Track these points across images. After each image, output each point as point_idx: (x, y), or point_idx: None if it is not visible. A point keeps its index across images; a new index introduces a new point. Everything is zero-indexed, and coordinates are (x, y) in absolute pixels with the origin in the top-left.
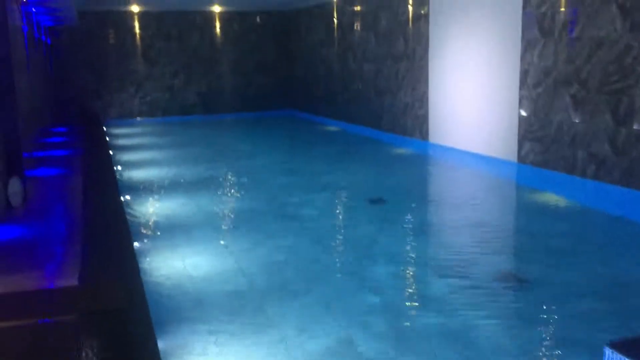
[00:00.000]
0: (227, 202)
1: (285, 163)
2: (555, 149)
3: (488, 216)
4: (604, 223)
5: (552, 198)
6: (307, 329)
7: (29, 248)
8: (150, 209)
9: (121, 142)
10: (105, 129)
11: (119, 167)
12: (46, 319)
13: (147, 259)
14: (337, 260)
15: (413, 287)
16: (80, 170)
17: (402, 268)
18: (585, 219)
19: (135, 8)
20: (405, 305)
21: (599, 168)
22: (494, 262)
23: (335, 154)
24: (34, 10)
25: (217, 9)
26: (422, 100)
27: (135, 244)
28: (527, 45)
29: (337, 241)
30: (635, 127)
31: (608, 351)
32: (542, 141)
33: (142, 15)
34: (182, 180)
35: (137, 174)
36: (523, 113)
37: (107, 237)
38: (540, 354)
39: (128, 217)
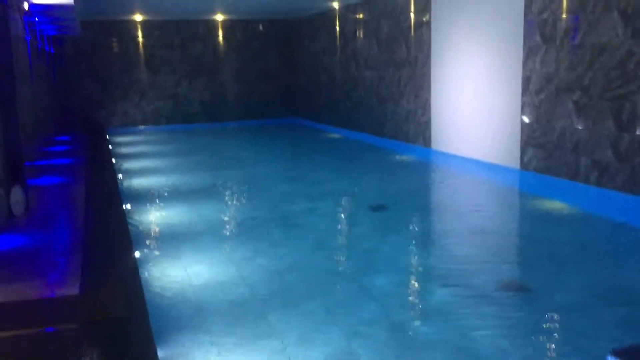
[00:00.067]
0: (229, 210)
1: (288, 171)
2: (558, 155)
3: (491, 223)
4: (607, 230)
5: (555, 205)
6: (309, 338)
7: (30, 257)
8: (153, 217)
9: (124, 150)
10: (108, 137)
11: (122, 176)
12: (47, 328)
13: (149, 268)
14: (339, 268)
15: (415, 296)
16: (83, 178)
17: (404, 276)
18: (588, 226)
19: (138, 17)
20: (408, 314)
21: (602, 174)
22: (497, 270)
23: (337, 161)
24: (37, 19)
25: (219, 17)
26: (425, 107)
27: (137, 252)
28: (529, 52)
29: (340, 249)
30: (638, 133)
31: (611, 359)
32: (545, 148)
33: (145, 24)
34: (184, 189)
35: (140, 182)
36: (525, 119)
37: (108, 246)
38: None
39: (130, 225)
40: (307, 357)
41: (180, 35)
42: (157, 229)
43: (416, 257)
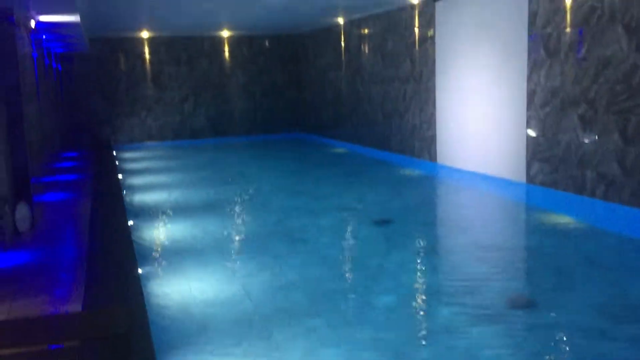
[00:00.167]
0: (234, 226)
1: (293, 185)
2: (564, 169)
3: (497, 238)
4: (614, 244)
5: (561, 219)
6: (313, 354)
7: (34, 273)
8: (158, 232)
9: (131, 166)
10: (115, 153)
11: (128, 191)
12: (50, 345)
13: (153, 283)
14: (343, 284)
15: (421, 312)
16: (89, 195)
17: (409, 292)
18: (595, 241)
19: (145, 34)
20: (413, 330)
21: (608, 188)
22: (503, 287)
23: (343, 175)
24: (44, 37)
25: (225, 33)
26: (430, 121)
27: (141, 268)
28: (534, 66)
29: (344, 265)
30: None
31: None
32: (551, 161)
33: (152, 41)
34: (189, 204)
35: (146, 198)
36: (531, 133)
37: (112, 263)
38: None
39: (135, 241)
40: None
41: (187, 52)
42: (161, 245)
43: (421, 273)
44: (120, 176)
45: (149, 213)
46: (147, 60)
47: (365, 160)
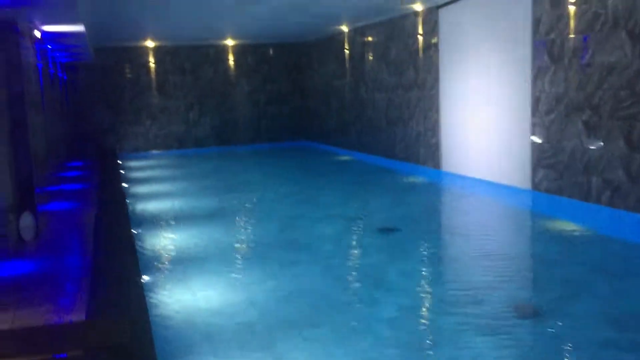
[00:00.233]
0: (238, 234)
1: (298, 194)
2: (569, 175)
3: (502, 245)
4: (620, 251)
5: (567, 226)
6: None
7: (38, 283)
8: (162, 241)
9: (135, 175)
10: (120, 162)
11: (133, 200)
12: (53, 355)
13: (157, 292)
14: (348, 292)
15: (425, 320)
16: (93, 204)
17: (414, 301)
18: (601, 247)
19: (149, 43)
20: (417, 338)
21: (613, 195)
22: (508, 293)
23: (347, 183)
24: (49, 47)
25: (230, 42)
26: (434, 128)
27: (146, 277)
28: (538, 73)
29: (349, 273)
30: None
31: None
32: (556, 168)
33: (157, 50)
34: (194, 212)
35: (150, 206)
36: (536, 140)
37: (116, 272)
38: None
39: (139, 250)
40: None
41: (191, 60)
42: (166, 253)
43: (426, 282)
44: (125, 185)
45: (154, 222)
46: (152, 69)
47: (369, 167)
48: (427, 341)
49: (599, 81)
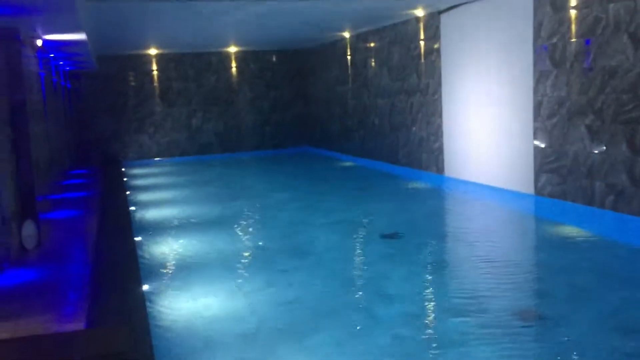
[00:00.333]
0: (240, 241)
1: (301, 200)
2: (572, 180)
3: (506, 251)
4: (625, 255)
5: (571, 230)
6: None
7: (39, 291)
8: (164, 248)
9: (139, 182)
10: (123, 170)
11: (135, 207)
12: None
13: (158, 300)
14: (350, 298)
15: (427, 326)
16: (96, 212)
17: (416, 307)
18: (606, 252)
19: (152, 51)
20: (419, 345)
21: (617, 199)
22: (512, 299)
23: (351, 189)
24: (52, 55)
25: (233, 49)
26: (437, 133)
27: (147, 284)
28: (540, 77)
29: (351, 279)
30: None
31: None
32: (559, 172)
33: (160, 58)
34: (196, 219)
35: (153, 214)
36: (538, 144)
37: (116, 280)
38: None
39: (140, 257)
40: None
41: (195, 68)
42: (168, 260)
43: (429, 287)
44: (128, 193)
45: (156, 229)
46: (155, 77)
47: (372, 173)
48: (430, 347)
49: (601, 85)
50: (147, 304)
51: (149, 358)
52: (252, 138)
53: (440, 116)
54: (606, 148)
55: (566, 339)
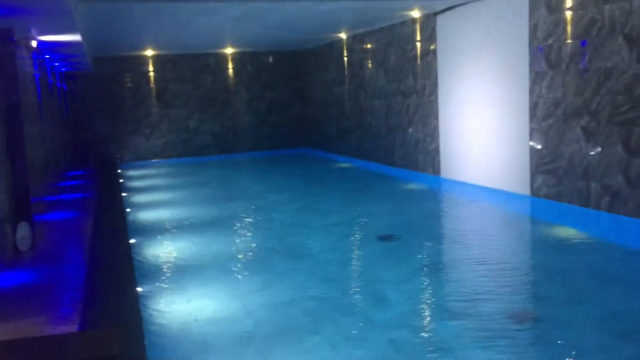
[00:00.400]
0: (236, 243)
1: (298, 201)
2: (568, 181)
3: (502, 252)
4: (620, 257)
5: (567, 231)
6: None
7: (33, 293)
8: (160, 250)
9: (135, 184)
10: (119, 171)
11: (131, 209)
12: None
13: (153, 302)
14: (346, 301)
15: (424, 328)
16: (91, 213)
17: (412, 309)
18: (601, 253)
19: (149, 52)
20: (416, 347)
21: (613, 200)
22: (508, 301)
23: (347, 190)
24: (47, 57)
25: (229, 50)
26: (433, 135)
27: (141, 287)
28: (536, 78)
29: (347, 281)
30: None
31: None
32: (555, 174)
33: (156, 59)
34: (192, 221)
35: (149, 215)
36: (534, 146)
37: (110, 283)
38: None
39: (136, 259)
40: None
41: (191, 69)
42: (163, 262)
43: (425, 289)
44: (124, 194)
45: (152, 230)
46: (152, 78)
47: (369, 174)
48: (426, 350)
49: (597, 86)
50: (142, 306)
51: None
52: (249, 139)
53: (437, 117)
54: (602, 149)
55: (562, 341)
